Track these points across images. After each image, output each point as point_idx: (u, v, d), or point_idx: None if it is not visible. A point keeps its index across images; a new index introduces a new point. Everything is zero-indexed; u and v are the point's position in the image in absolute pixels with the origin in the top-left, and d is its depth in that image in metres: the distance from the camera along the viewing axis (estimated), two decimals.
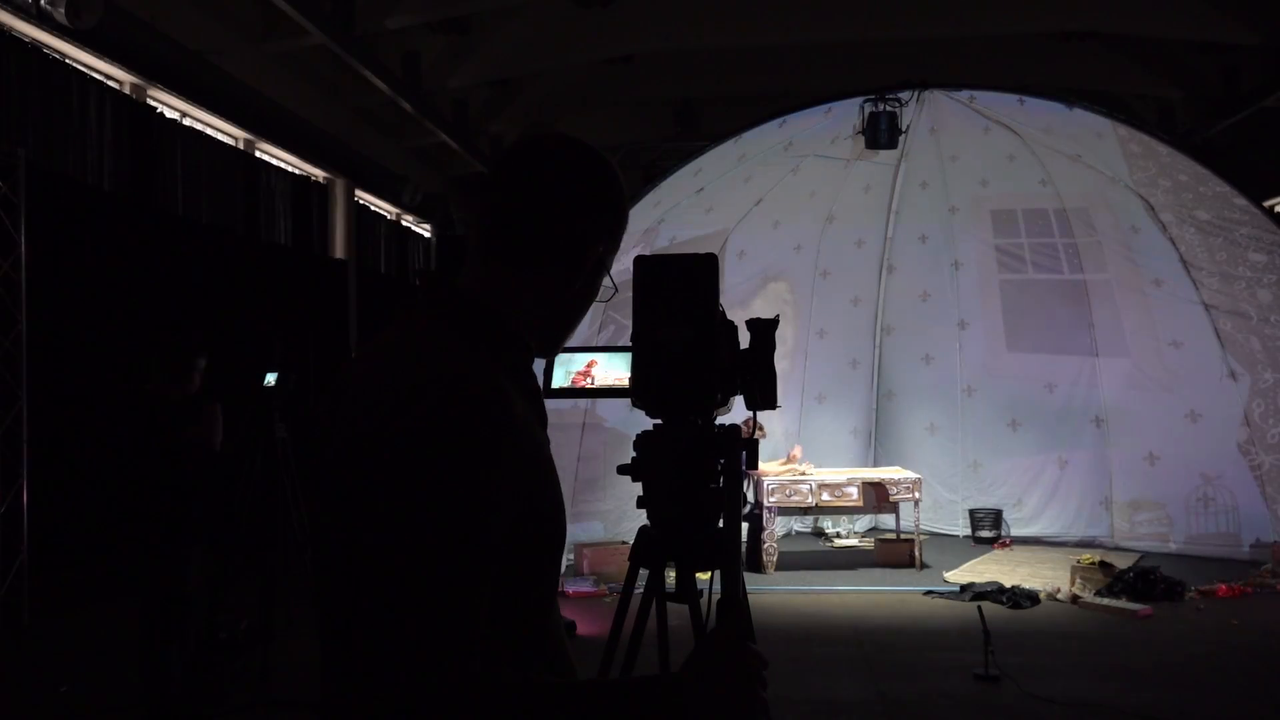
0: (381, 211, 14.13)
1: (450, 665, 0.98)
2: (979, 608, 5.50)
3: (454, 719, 0.98)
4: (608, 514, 8.06)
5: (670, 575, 1.59)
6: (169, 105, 9.10)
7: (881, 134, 7.89)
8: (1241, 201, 7.77)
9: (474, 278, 1.22)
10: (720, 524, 1.49)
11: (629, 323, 1.49)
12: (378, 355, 1.17)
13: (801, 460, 8.66)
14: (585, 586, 7.32)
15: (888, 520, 9.16)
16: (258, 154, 10.72)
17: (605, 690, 1.06)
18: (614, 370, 1.66)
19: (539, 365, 1.43)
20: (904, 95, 7.99)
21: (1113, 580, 7.03)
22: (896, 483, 8.35)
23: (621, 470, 1.57)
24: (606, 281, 1.31)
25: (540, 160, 1.25)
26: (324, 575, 1.11)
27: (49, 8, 6.38)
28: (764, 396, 1.55)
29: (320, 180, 11.91)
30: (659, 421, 1.53)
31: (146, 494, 4.44)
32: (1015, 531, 9.42)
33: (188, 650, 4.59)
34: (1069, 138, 8.34)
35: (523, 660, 1.12)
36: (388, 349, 1.17)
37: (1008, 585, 7.19)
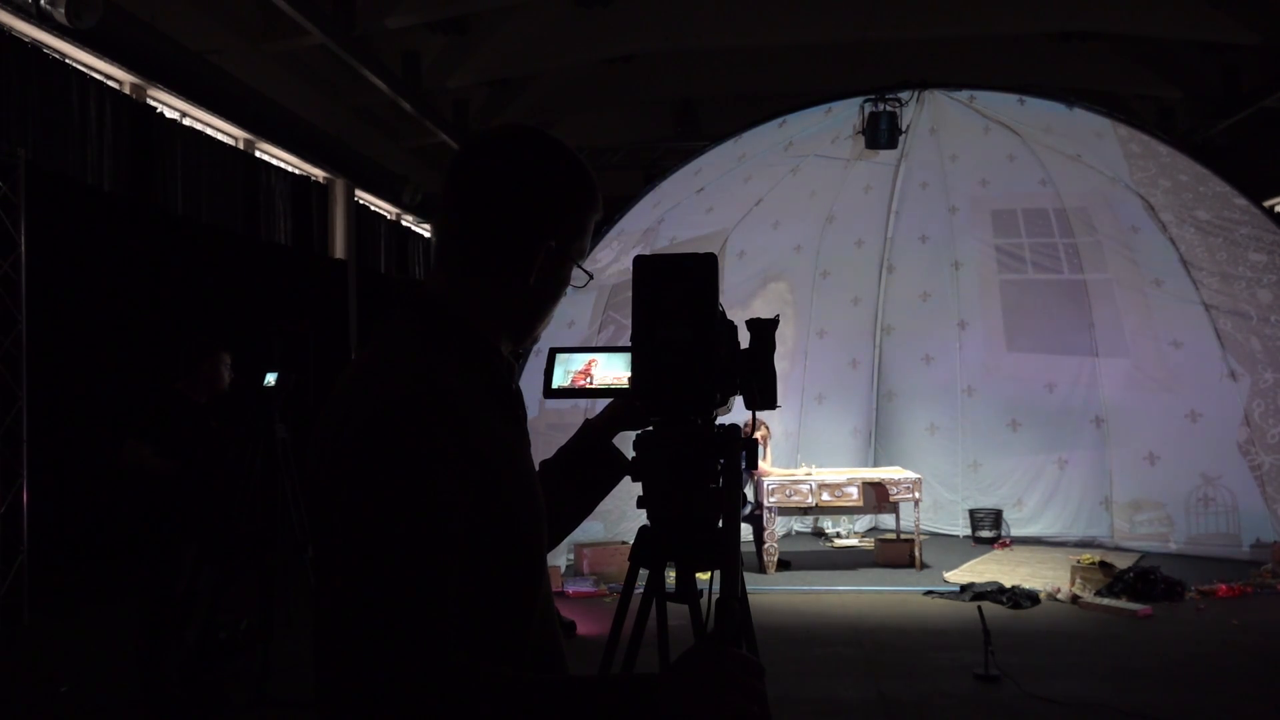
0: (381, 211, 14.13)
1: (416, 656, 1.00)
2: (979, 608, 5.50)
3: (421, 707, 0.99)
4: (608, 514, 8.04)
5: (670, 575, 1.59)
6: (169, 105, 9.10)
7: (881, 134, 7.89)
8: (1241, 201, 7.77)
9: (438, 284, 1.25)
10: (720, 524, 1.49)
11: (629, 323, 1.49)
12: (355, 365, 1.21)
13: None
14: (585, 586, 7.32)
15: (888, 520, 9.16)
16: (257, 154, 10.72)
17: (579, 685, 1.04)
18: (614, 370, 1.66)
19: (539, 366, 1.44)
20: (904, 95, 8.00)
21: (1113, 580, 7.03)
22: (896, 483, 8.34)
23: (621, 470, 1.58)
24: (582, 267, 1.32)
25: (475, 165, 1.25)
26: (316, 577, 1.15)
27: (49, 8, 6.38)
28: (764, 396, 1.55)
29: (320, 180, 11.90)
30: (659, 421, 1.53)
31: (148, 494, 4.45)
32: (1015, 531, 9.42)
33: (186, 650, 4.60)
34: (1069, 138, 8.34)
35: (505, 659, 1.13)
36: (363, 358, 1.21)
37: (1008, 585, 7.19)
